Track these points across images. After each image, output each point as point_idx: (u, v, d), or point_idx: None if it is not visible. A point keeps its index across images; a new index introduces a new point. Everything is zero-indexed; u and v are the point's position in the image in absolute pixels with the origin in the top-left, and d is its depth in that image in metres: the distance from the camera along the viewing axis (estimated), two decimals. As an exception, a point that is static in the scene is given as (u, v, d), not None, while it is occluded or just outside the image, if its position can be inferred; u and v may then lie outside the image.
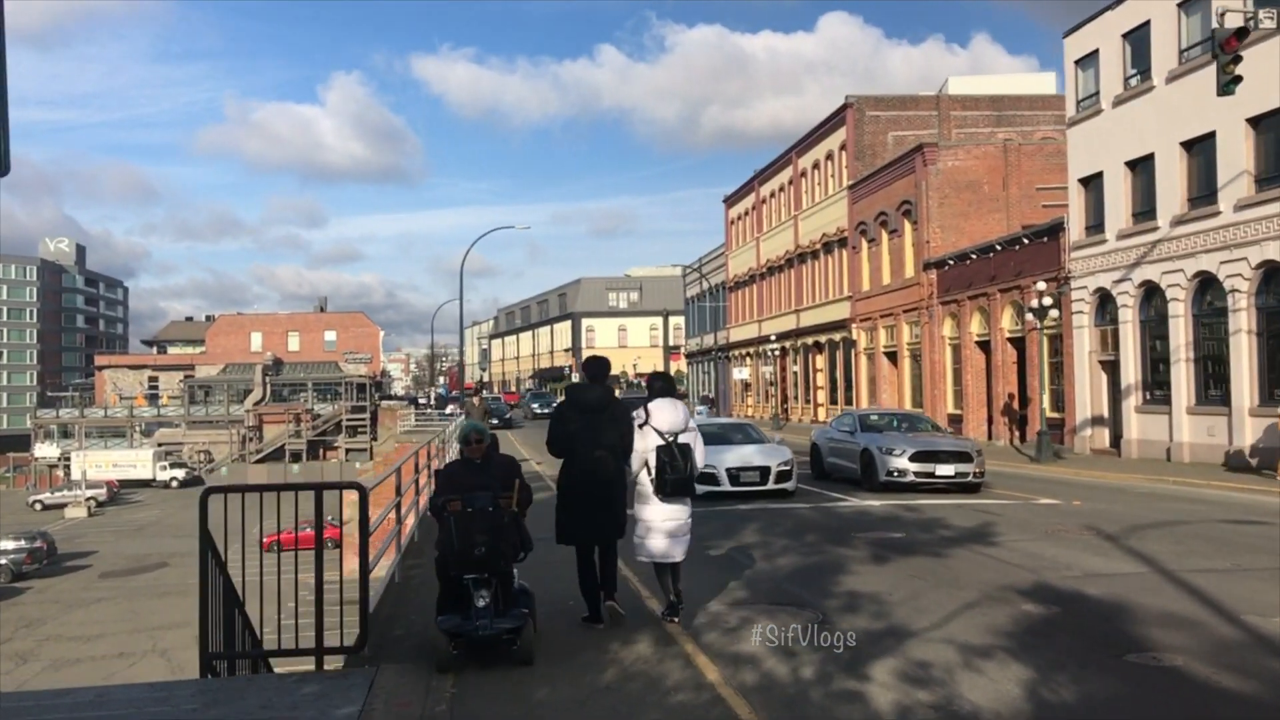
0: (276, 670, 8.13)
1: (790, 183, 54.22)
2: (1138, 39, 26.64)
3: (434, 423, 55.53)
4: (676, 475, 8.19)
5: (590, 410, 8.30)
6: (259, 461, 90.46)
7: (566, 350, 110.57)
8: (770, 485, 17.64)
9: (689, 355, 75.92)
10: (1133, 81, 26.96)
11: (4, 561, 46.91)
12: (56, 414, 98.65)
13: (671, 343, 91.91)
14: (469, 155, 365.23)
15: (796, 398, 53.34)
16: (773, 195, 57.53)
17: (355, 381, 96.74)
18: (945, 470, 18.34)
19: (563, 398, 12.79)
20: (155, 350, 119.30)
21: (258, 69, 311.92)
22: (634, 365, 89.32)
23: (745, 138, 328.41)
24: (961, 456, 18.71)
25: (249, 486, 8.56)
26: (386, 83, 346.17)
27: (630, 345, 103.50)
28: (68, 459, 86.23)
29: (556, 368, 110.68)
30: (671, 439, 8.28)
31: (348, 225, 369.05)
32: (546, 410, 57.97)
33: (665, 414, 8.42)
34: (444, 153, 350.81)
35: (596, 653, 7.28)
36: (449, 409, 64.28)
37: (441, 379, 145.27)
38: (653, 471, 8.24)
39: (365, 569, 7.86)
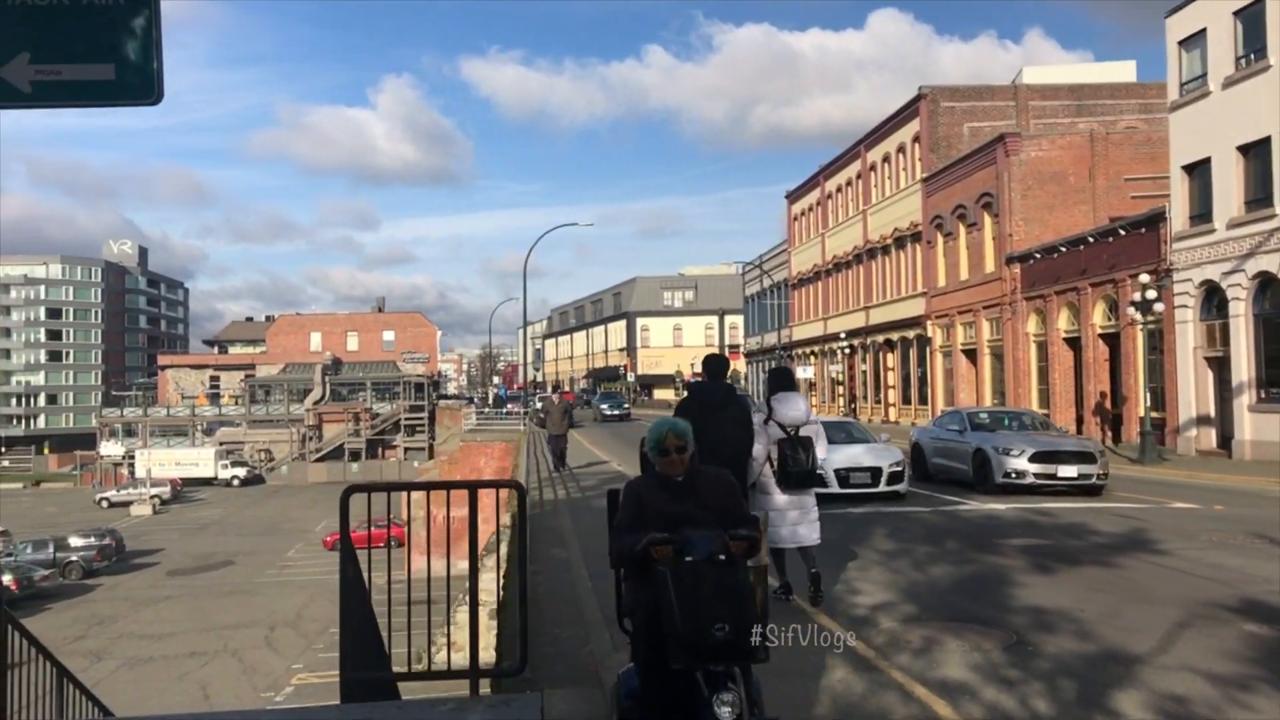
0: (421, 695, 7.41)
1: (858, 176, 53.01)
2: (1251, 16, 25.22)
3: (496, 422, 55.05)
4: (799, 468, 8.35)
5: (712, 407, 8.38)
6: (319, 460, 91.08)
7: (621, 350, 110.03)
8: (882, 487, 16.69)
9: (748, 354, 74.85)
10: (1245, 61, 25.54)
11: (75, 559, 47.26)
12: (121, 413, 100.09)
13: (728, 341, 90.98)
14: (517, 157, 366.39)
15: (865, 397, 52.10)
16: (839, 190, 56.32)
17: (413, 381, 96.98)
18: (1068, 471, 17.23)
19: (684, 394, 12.87)
20: (216, 350, 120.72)
21: (310, 73, 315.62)
22: (691, 365, 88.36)
23: (794, 136, 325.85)
24: (1084, 457, 17.59)
25: (392, 485, 7.82)
26: (436, 85, 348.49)
27: (685, 344, 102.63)
28: (132, 457, 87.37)
29: (611, 367, 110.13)
30: (793, 432, 8.43)
31: (399, 227, 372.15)
32: (618, 411, 56.99)
33: (787, 408, 8.59)
34: (493, 155, 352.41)
35: (797, 680, 6.42)
36: (508, 408, 63.73)
37: (497, 379, 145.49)
38: (775, 465, 8.42)
39: (524, 580, 7.06)
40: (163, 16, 3.88)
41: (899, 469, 17.03)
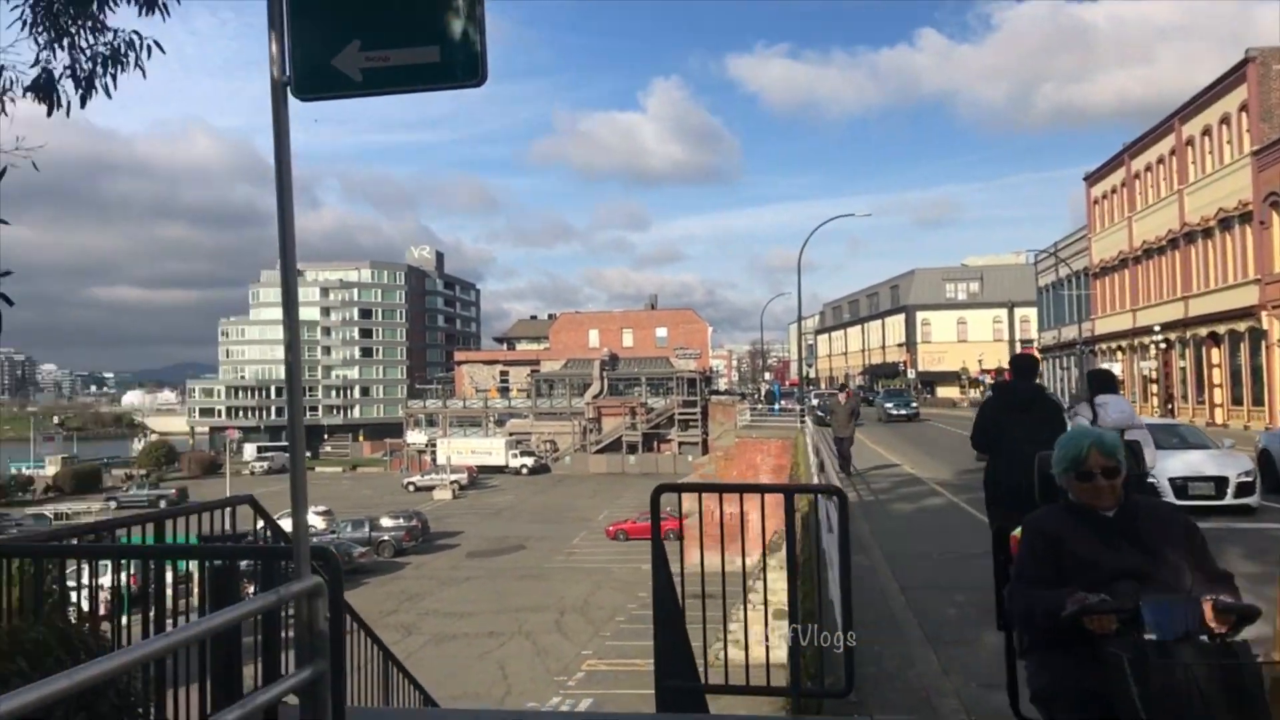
0: (737, 711, 7.03)
1: (1171, 153, 48.02)
2: None
3: (771, 419, 54.54)
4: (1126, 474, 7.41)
5: (1020, 408, 8.18)
6: (599, 452, 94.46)
7: (900, 345, 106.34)
8: (1228, 499, 14.67)
9: (1044, 350, 70.00)
10: None
11: (387, 538, 51.38)
12: (423, 404, 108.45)
13: (1019, 335, 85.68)
14: (786, 151, 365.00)
15: (1185, 397, 47.17)
16: (1147, 169, 51.31)
17: (685, 376, 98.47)
18: None
19: (989, 394, 12.28)
20: (505, 346, 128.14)
21: (584, 81, 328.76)
22: (979, 361, 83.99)
23: (1085, 115, 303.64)
24: None
25: (704, 485, 7.48)
26: (703, 85, 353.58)
27: (971, 339, 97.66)
28: (434, 445, 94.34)
29: (890, 363, 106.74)
30: (1120, 435, 7.35)
31: (669, 226, 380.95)
32: (905, 411, 52.22)
33: (1114, 409, 8.29)
34: (761, 150, 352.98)
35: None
36: (781, 405, 62.99)
37: (768, 375, 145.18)
38: None
39: (847, 591, 6.48)
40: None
41: (1249, 479, 14.92)
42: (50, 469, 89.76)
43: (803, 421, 46.89)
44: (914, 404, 57.00)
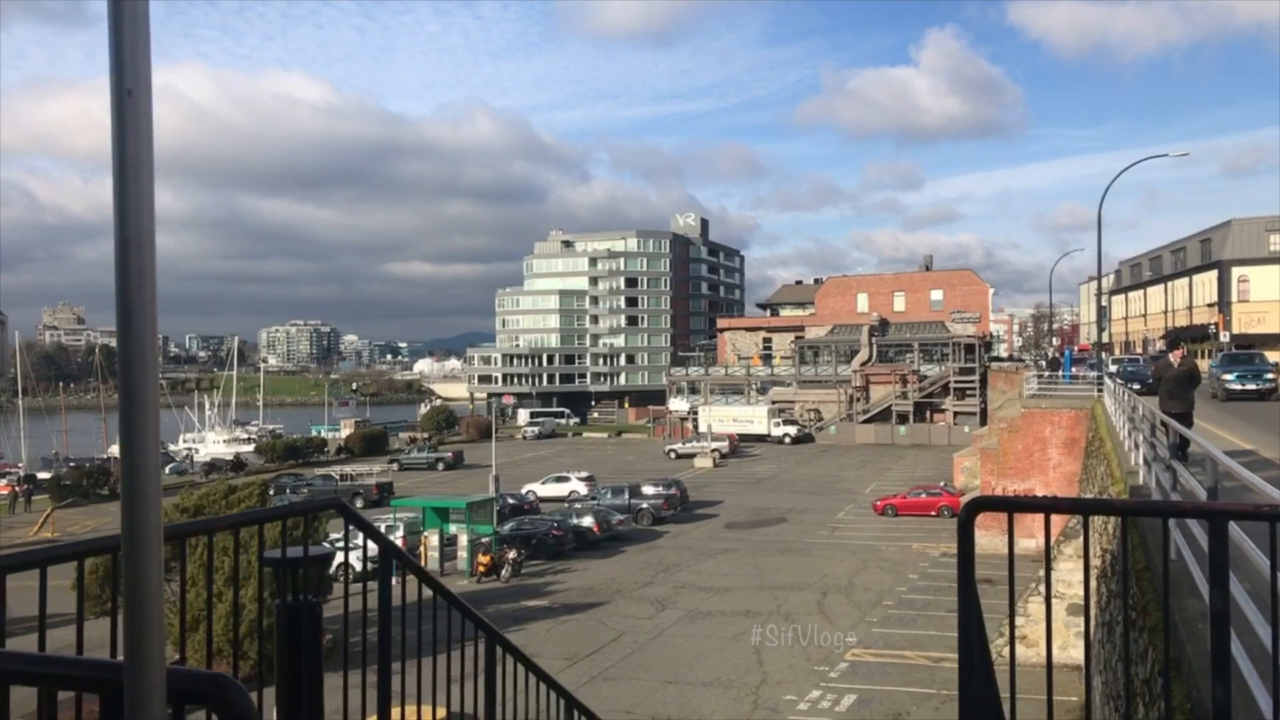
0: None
1: None
2: None
3: (1062, 387, 48.97)
4: None
5: None
6: (866, 422, 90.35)
7: (1210, 305, 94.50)
8: None
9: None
10: None
11: (646, 506, 50.65)
12: (686, 372, 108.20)
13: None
14: (1074, 100, 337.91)
15: None
16: None
17: (963, 342, 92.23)
18: None
19: None
20: (768, 313, 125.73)
21: (853, 40, 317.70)
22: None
23: None
24: None
25: (1030, 501, 4.73)
26: (981, 33, 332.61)
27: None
28: (695, 413, 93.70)
29: (1197, 326, 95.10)
30: None
31: (944, 186, 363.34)
32: (1255, 386, 36.31)
33: None
34: (1046, 101, 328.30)
35: None
36: (1074, 372, 56.70)
37: (1054, 340, 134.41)
38: None
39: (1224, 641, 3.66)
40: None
41: None
42: (344, 432, 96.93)
43: (1100, 390, 41.44)
44: (1272, 376, 39.68)
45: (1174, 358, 16.00)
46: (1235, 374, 35.88)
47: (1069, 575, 25.30)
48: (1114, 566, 15.05)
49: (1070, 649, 25.18)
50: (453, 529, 40.21)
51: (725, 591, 35.32)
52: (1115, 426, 24.10)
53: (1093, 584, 21.39)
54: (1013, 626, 4.33)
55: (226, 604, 24.32)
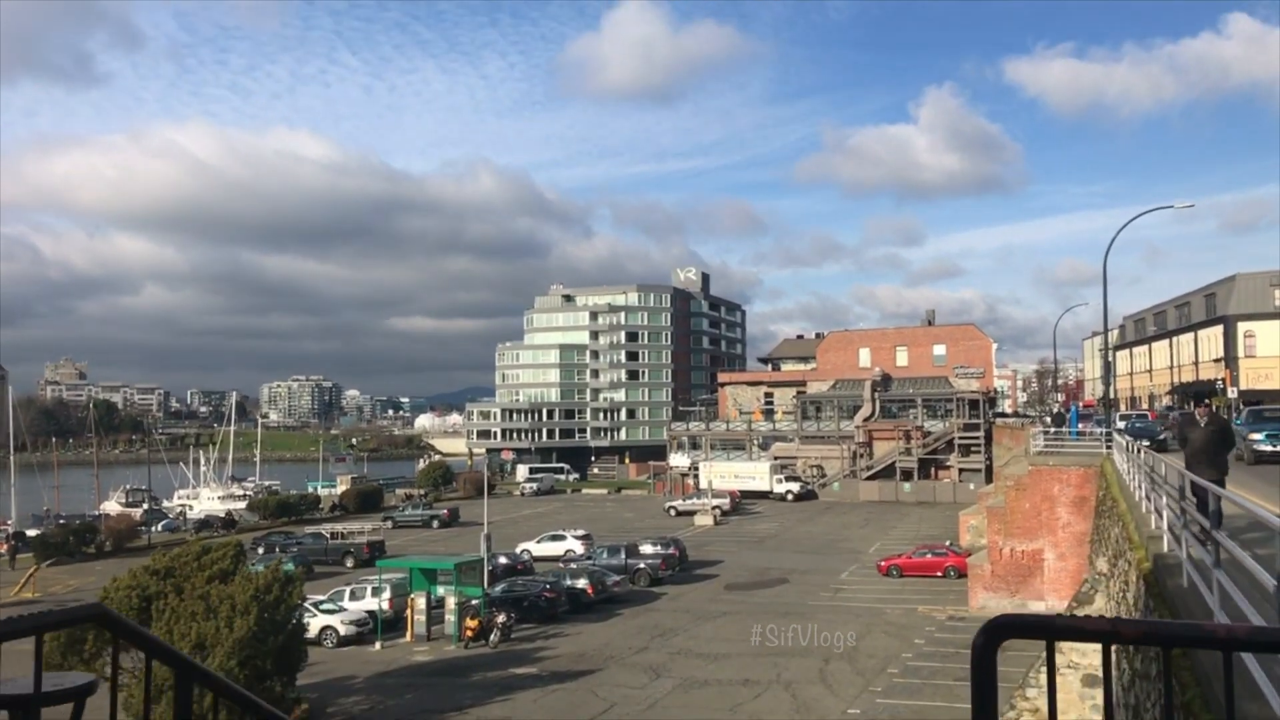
0: None
1: None
2: None
3: (1069, 444, 47.69)
4: None
5: None
6: (870, 478, 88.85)
7: (1216, 360, 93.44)
8: None
9: None
10: None
11: (643, 566, 49.16)
12: (687, 426, 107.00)
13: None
14: (1073, 157, 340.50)
15: None
16: None
17: (967, 397, 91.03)
18: None
19: None
20: (770, 367, 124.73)
21: (853, 98, 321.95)
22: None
23: None
24: None
25: (1056, 622, 3.54)
26: (979, 91, 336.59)
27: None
28: (696, 469, 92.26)
29: (1203, 381, 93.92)
30: None
31: (945, 241, 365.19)
32: None
33: None
34: (1045, 157, 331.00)
35: None
36: (1078, 428, 55.42)
37: (1059, 395, 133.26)
38: None
39: None
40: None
41: None
42: (340, 488, 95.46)
43: (1109, 446, 40.26)
44: None
45: (1199, 415, 14.37)
46: (1265, 433, 31.87)
47: (1083, 644, 23.91)
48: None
49: (1087, 723, 23.72)
50: (441, 591, 38.80)
51: (723, 658, 33.82)
52: (1128, 485, 22.94)
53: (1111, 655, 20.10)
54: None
55: None
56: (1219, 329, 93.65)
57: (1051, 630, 2.22)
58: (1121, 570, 17.97)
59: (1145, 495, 17.45)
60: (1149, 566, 12.89)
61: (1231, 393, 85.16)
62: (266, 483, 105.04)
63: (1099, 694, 23.70)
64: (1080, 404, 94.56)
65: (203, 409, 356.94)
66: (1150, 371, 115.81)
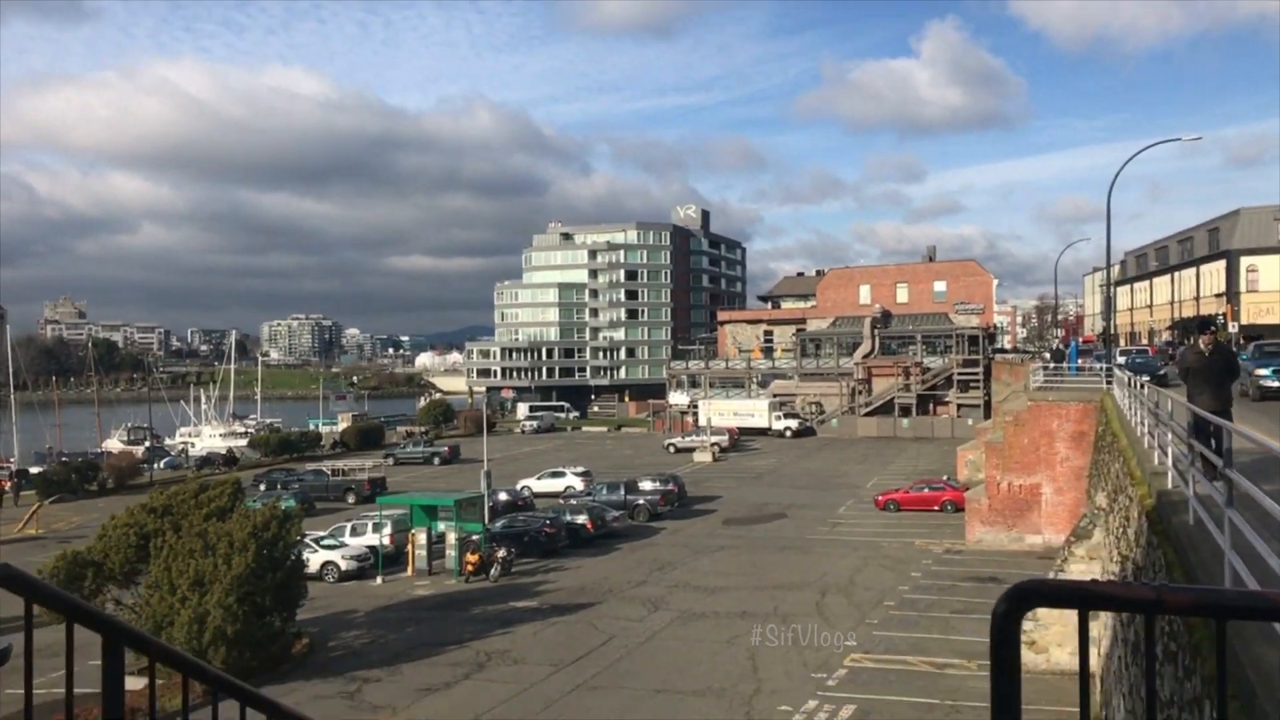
0: None
1: None
2: None
3: (1069, 379, 47.62)
4: None
5: None
6: (868, 415, 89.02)
7: (1218, 295, 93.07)
8: None
9: None
10: None
11: (642, 502, 49.39)
12: (686, 365, 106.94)
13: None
14: (1077, 92, 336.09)
15: None
16: None
17: (966, 334, 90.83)
18: None
19: None
20: (769, 305, 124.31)
21: (856, 31, 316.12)
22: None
23: None
24: None
25: (1101, 594, 3.41)
26: (982, 25, 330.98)
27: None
28: (695, 406, 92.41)
29: (1204, 316, 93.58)
30: None
31: (946, 178, 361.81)
32: None
33: None
34: (1048, 92, 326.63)
35: None
36: (1077, 364, 55.28)
37: (1058, 331, 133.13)
38: None
39: None
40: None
41: None
42: (341, 425, 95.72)
43: (1109, 382, 40.14)
44: None
45: (1203, 343, 13.78)
46: (1272, 369, 30.52)
47: (1080, 577, 23.96)
48: (1135, 577, 13.75)
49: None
50: (441, 527, 38.97)
51: (721, 591, 34.06)
52: (1129, 421, 22.80)
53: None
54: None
55: (191, 608, 23.13)
56: (1221, 264, 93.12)
57: (1086, 598, 1.98)
58: (1122, 506, 17.88)
59: (1148, 431, 17.29)
60: (1152, 503, 12.75)
61: (1232, 327, 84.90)
62: (268, 420, 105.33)
63: (1094, 626, 23.84)
64: (1080, 340, 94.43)
65: (203, 348, 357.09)
66: (1151, 307, 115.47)
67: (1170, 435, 12.69)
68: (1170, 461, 12.44)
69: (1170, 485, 12.18)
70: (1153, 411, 15.54)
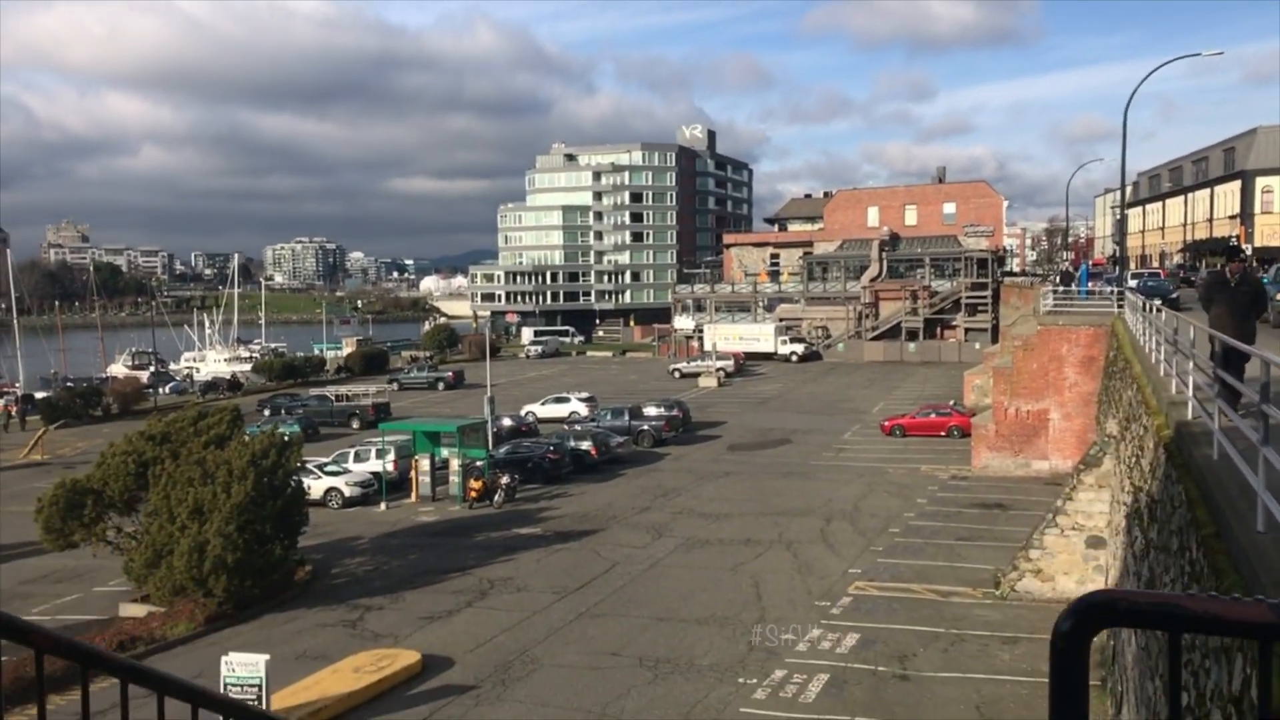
0: None
1: None
2: None
3: (1078, 303, 46.94)
4: None
5: None
6: (875, 339, 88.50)
7: (1232, 217, 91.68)
8: None
9: None
10: None
11: (646, 428, 49.18)
12: (691, 289, 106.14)
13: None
14: (1091, 6, 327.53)
15: None
16: None
17: (975, 256, 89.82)
18: None
19: None
20: (776, 228, 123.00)
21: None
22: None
23: None
24: None
25: (1162, 605, 2.85)
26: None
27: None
28: (701, 331, 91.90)
29: (1217, 239, 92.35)
30: None
31: (957, 97, 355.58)
32: None
33: None
34: (1063, 7, 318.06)
35: None
36: (1088, 287, 54.47)
37: (1067, 254, 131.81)
38: None
39: None
40: None
41: None
42: (345, 350, 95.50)
43: (1120, 306, 39.48)
44: None
45: (1230, 272, 13.39)
46: None
47: (1088, 506, 23.70)
48: (1149, 509, 13.33)
49: (1088, 583, 23.71)
50: (444, 453, 38.83)
51: (725, 518, 33.95)
52: (1143, 346, 22.25)
53: (1119, 520, 19.77)
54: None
55: (191, 537, 22.96)
56: (1236, 184, 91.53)
57: (1178, 618, 1.47)
58: (1135, 435, 17.43)
59: (1164, 357, 16.74)
60: (1170, 435, 12.26)
61: (1246, 249, 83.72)
62: (272, 345, 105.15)
63: (1102, 555, 23.63)
64: (1090, 262, 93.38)
65: (207, 271, 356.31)
66: (1163, 229, 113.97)
67: (1191, 364, 12.17)
68: (1190, 391, 11.92)
69: (1190, 416, 11.69)
70: (1171, 339, 14.95)
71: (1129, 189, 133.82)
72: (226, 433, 26.31)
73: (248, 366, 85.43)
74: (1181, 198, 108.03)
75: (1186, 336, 12.45)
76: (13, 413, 65.07)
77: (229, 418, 27.53)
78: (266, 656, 16.77)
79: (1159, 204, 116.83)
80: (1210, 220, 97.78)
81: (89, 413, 65.20)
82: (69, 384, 74.83)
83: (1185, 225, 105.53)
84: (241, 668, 16.30)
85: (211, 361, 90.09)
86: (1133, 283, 50.44)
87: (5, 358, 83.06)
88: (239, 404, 36.75)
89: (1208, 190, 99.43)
